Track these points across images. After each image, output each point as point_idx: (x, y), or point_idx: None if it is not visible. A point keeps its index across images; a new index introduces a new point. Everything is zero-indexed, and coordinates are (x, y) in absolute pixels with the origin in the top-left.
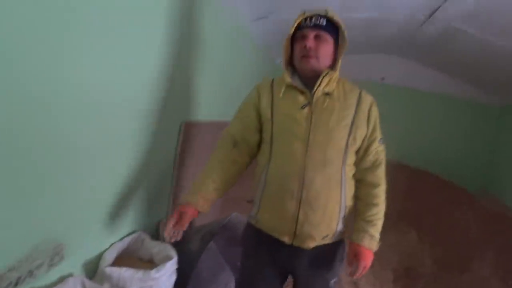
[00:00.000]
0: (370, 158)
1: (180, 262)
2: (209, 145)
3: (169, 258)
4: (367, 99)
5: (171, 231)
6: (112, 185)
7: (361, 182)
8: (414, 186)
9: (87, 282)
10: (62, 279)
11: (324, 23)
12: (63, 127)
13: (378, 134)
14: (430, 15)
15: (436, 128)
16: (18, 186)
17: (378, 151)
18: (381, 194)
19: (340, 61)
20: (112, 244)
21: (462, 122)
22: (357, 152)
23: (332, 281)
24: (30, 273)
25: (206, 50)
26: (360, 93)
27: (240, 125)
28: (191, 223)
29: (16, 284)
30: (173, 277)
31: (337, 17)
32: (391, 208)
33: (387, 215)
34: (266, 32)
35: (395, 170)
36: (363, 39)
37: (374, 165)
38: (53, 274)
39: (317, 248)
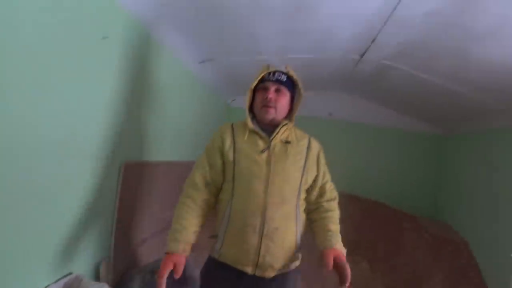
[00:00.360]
0: (327, 196)
1: None
2: (151, 185)
3: None
4: (316, 146)
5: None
6: (48, 225)
7: (319, 209)
8: (366, 217)
9: None
10: None
11: (285, 79)
12: (7, 165)
13: (329, 176)
14: (362, 55)
15: (385, 159)
16: None
17: (332, 188)
18: (337, 217)
19: (295, 113)
20: (46, 286)
21: (409, 153)
22: (308, 190)
23: None
24: None
25: (151, 92)
26: (309, 140)
27: (209, 167)
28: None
29: None
30: None
31: (295, 75)
32: (344, 239)
33: None
34: (213, 74)
35: (348, 202)
36: (305, 78)
37: (331, 198)
38: None
39: (275, 277)
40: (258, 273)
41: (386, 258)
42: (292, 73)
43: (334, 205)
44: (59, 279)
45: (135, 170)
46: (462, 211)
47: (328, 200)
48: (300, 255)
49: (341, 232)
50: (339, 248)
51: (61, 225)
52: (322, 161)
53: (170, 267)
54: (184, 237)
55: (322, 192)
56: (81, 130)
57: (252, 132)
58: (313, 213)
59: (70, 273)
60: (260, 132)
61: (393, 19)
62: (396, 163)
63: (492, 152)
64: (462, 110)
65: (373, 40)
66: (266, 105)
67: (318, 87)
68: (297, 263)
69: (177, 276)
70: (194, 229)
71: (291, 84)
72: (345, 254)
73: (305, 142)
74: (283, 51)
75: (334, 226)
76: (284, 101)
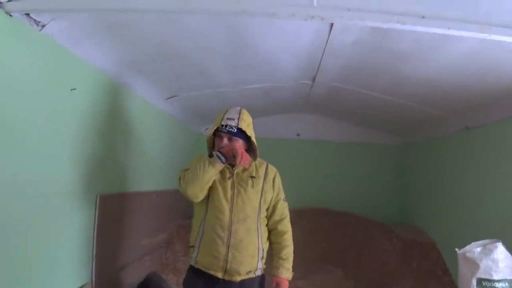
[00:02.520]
0: (278, 212)
1: None
2: (129, 215)
3: None
4: (272, 171)
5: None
6: (32, 255)
7: (274, 231)
8: (337, 228)
9: None
10: None
11: (235, 130)
12: None
13: (282, 195)
14: (313, 80)
15: (352, 172)
16: None
17: (283, 207)
18: (289, 238)
19: (256, 153)
20: None
21: (374, 164)
22: (267, 209)
23: None
24: None
25: (122, 130)
26: (267, 166)
27: None
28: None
29: None
30: None
31: (245, 125)
32: (317, 251)
33: (314, 258)
34: (181, 107)
35: (320, 216)
36: (266, 103)
37: (282, 218)
38: None
39: (243, 281)
40: (227, 277)
41: (358, 265)
42: (242, 124)
43: (287, 224)
44: None
45: (110, 201)
46: (427, 213)
47: (280, 220)
48: (263, 263)
49: (313, 243)
50: (284, 276)
51: (42, 255)
52: (277, 182)
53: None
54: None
55: (274, 209)
56: (53, 171)
57: None
58: (271, 234)
59: None
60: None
61: (328, 49)
62: (363, 174)
63: (444, 156)
64: (413, 120)
65: (318, 67)
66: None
67: (284, 110)
68: (262, 269)
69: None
70: None
71: (242, 132)
72: (290, 278)
73: (263, 168)
74: (238, 83)
75: (286, 250)
76: (236, 146)
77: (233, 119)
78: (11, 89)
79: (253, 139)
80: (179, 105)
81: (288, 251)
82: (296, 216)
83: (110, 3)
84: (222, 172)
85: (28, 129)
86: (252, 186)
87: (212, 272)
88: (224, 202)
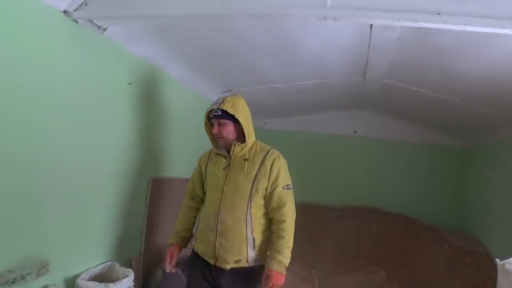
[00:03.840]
0: (275, 200)
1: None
2: (173, 196)
3: (126, 276)
4: (271, 158)
5: (168, 267)
6: (92, 225)
7: (272, 220)
8: (385, 228)
9: None
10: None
11: (220, 112)
12: (59, 179)
13: (281, 182)
14: (363, 77)
15: (411, 174)
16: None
17: (282, 195)
18: (287, 228)
19: (249, 131)
20: (88, 268)
21: (434, 167)
22: (264, 197)
23: None
24: (23, 277)
25: (176, 121)
26: (267, 152)
27: (192, 185)
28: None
29: (12, 283)
30: None
31: (229, 106)
32: (362, 250)
33: (357, 256)
34: None
35: (369, 215)
36: (321, 99)
37: (280, 206)
38: (40, 282)
39: (235, 269)
40: (218, 264)
41: (402, 268)
42: (224, 106)
43: (285, 212)
44: (100, 264)
45: (162, 184)
46: (486, 222)
47: (278, 208)
48: (256, 253)
49: (358, 242)
50: (275, 268)
51: (102, 225)
52: (275, 169)
53: (169, 256)
54: (176, 233)
55: (269, 198)
56: (113, 155)
57: (217, 154)
58: (271, 224)
59: (109, 261)
60: (223, 153)
61: (373, 46)
62: (420, 176)
63: (508, 162)
64: (473, 122)
65: (367, 63)
66: (216, 137)
67: (340, 107)
68: (256, 259)
69: (173, 262)
70: (186, 226)
71: (229, 114)
72: (283, 272)
73: (262, 155)
74: (289, 79)
75: (281, 241)
76: (227, 129)
77: (217, 104)
78: (77, 85)
79: (239, 118)
80: None
81: (283, 243)
82: (346, 213)
83: (152, 11)
84: (217, 162)
85: (94, 120)
86: (244, 175)
87: (206, 258)
88: (215, 192)
